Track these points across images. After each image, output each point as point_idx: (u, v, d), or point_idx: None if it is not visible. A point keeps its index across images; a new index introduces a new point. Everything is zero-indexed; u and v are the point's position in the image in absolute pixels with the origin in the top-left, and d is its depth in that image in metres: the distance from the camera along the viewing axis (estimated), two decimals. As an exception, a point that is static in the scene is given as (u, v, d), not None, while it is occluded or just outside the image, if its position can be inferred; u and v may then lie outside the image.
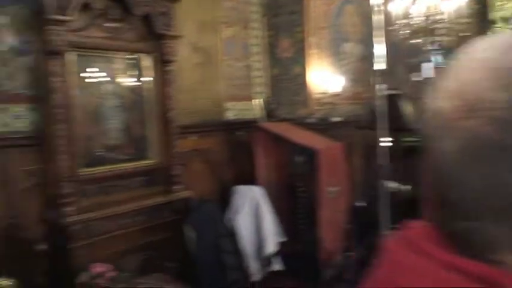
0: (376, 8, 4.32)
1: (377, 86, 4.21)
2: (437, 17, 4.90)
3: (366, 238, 4.78)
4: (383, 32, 4.28)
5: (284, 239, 4.19)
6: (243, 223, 3.91)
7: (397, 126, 4.90)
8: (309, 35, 5.27)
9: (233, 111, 5.04)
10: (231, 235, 3.76)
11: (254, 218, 3.98)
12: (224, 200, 4.12)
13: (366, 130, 4.98)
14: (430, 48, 5.41)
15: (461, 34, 6.02)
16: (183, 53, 4.38)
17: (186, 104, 4.34)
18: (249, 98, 5.23)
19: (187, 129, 4.20)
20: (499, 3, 8.23)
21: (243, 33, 5.22)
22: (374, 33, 4.30)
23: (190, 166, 4.36)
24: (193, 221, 3.53)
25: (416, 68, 5.76)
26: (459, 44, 8.27)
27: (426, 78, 5.75)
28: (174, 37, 3.75)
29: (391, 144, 4.64)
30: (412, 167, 4.73)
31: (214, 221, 3.60)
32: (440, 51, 5.88)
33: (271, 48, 5.41)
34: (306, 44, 5.25)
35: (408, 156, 5.44)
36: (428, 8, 4.89)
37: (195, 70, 4.59)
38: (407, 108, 5.00)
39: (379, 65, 4.31)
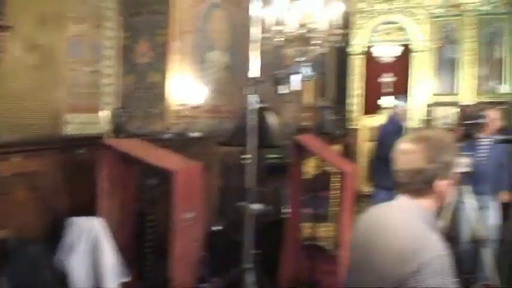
0: (253, 13, 3.85)
1: (249, 98, 3.77)
2: (312, 26, 4.62)
3: (226, 266, 4.39)
4: (259, 41, 3.86)
5: (128, 279, 3.61)
6: (77, 263, 3.27)
7: (262, 142, 4.52)
8: (172, 39, 4.74)
9: (74, 125, 4.27)
10: (62, 280, 3.11)
11: (91, 256, 3.36)
12: (56, 236, 3.43)
13: (228, 147, 4.60)
14: (300, 59, 5.17)
15: (336, 45, 5.90)
16: (13, 51, 3.60)
17: (10, 116, 3.55)
18: (95, 110, 4.53)
19: (9, 148, 3.41)
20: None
21: (94, 32, 4.53)
22: (251, 40, 3.84)
23: (10, 196, 3.56)
24: (9, 270, 2.83)
25: (283, 80, 5.49)
26: (332, 55, 8.29)
27: (293, 91, 5.49)
28: (3, 28, 3.02)
29: (255, 162, 4.28)
30: (276, 186, 4.36)
31: (38, 267, 2.93)
32: (309, 63, 5.65)
33: (127, 52, 4.78)
34: (168, 49, 4.72)
35: (272, 175, 5.16)
36: (304, 16, 4.59)
37: (28, 73, 3.80)
38: (272, 123, 4.65)
39: (253, 75, 3.86)
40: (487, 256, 4.08)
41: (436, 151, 1.69)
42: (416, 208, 1.72)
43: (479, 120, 3.76)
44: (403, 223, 1.69)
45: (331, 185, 5.94)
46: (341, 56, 8.76)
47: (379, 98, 8.11)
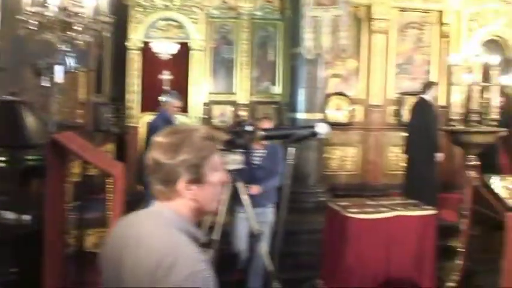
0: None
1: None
2: (76, 10, 4.13)
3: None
4: None
5: None
6: None
7: (16, 141, 3.91)
8: None
9: None
10: None
11: None
12: None
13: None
14: (64, 48, 4.62)
15: (104, 34, 5.43)
16: None
17: None
18: None
19: None
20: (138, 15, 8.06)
21: None
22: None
23: None
24: None
25: (45, 71, 4.88)
26: (108, 48, 7.78)
27: (61, 84, 4.92)
28: None
29: (5, 164, 3.66)
30: (38, 191, 3.75)
31: None
32: (74, 53, 5.13)
33: None
34: None
35: (29, 178, 4.52)
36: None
37: None
38: (29, 120, 4.04)
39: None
40: (263, 249, 4.14)
41: (178, 147, 1.45)
42: (169, 214, 1.47)
43: (247, 128, 3.70)
44: (153, 233, 1.42)
45: (107, 186, 5.51)
46: (119, 50, 8.32)
47: (161, 95, 7.90)
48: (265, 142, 4.43)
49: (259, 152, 4.56)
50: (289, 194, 3.55)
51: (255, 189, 4.32)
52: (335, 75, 8.22)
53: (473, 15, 8.45)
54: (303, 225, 5.86)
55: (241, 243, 4.62)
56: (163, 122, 5.24)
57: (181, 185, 1.46)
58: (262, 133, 3.74)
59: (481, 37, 8.47)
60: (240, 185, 4.00)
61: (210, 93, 8.36)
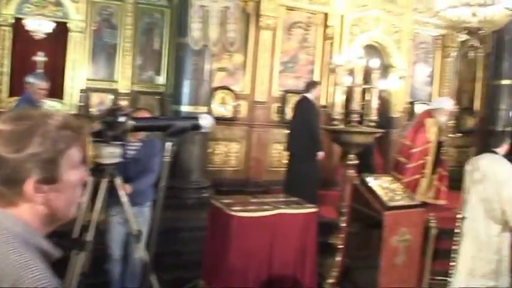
0: None
1: None
2: None
3: None
4: None
5: None
6: None
7: None
8: None
9: None
10: None
11: None
12: None
13: None
14: None
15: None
16: None
17: None
18: None
19: None
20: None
21: None
22: None
23: None
24: None
25: None
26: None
27: None
28: None
29: None
30: None
31: None
32: None
33: None
34: None
35: None
36: None
37: None
38: None
39: None
40: (140, 249, 3.87)
41: (26, 138, 1.15)
42: (11, 224, 1.16)
43: (119, 119, 3.34)
44: None
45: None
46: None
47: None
48: (141, 135, 4.16)
49: (134, 145, 4.23)
50: (165, 195, 3.28)
51: (127, 188, 3.97)
52: (221, 69, 8.10)
53: (355, 20, 8.77)
54: (185, 222, 5.66)
55: (116, 248, 4.31)
56: (29, 105, 4.76)
57: (29, 186, 1.16)
58: (133, 123, 3.36)
59: (362, 42, 8.82)
60: (118, 181, 3.68)
61: (89, 80, 7.83)
